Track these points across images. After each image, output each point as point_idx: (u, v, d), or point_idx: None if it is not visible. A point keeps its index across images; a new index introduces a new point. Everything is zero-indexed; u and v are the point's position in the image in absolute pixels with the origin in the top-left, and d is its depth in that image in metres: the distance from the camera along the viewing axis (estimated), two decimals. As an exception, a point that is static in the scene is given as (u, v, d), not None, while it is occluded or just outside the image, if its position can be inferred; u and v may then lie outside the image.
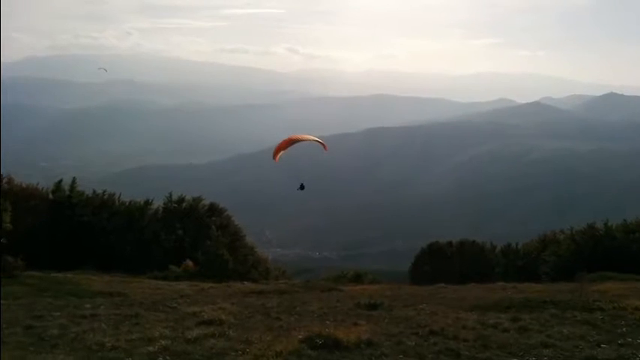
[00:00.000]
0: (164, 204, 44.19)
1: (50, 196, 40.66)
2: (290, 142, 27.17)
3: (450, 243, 45.70)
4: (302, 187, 34.94)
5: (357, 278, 40.23)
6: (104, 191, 42.64)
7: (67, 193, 41.04)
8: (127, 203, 42.68)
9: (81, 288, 22.28)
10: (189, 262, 36.38)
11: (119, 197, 43.06)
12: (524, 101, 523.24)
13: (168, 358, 12.54)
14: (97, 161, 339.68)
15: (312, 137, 28.48)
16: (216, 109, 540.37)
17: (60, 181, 41.59)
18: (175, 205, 44.10)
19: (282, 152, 27.20)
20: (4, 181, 37.34)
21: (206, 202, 45.35)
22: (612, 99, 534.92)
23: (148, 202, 43.29)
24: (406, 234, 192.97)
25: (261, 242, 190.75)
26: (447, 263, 42.65)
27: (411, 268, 46.84)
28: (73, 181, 41.68)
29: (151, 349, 12.98)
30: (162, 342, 13.49)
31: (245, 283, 32.00)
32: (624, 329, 13.83)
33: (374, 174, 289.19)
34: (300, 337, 13.80)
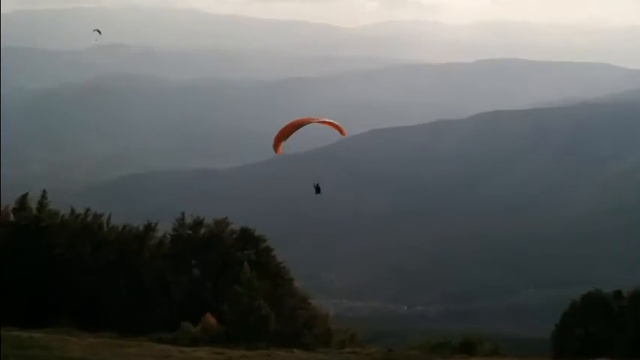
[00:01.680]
0: (173, 230, 45.31)
1: (10, 217, 42.39)
2: (294, 127, 29.78)
3: (618, 294, 44.53)
4: (318, 190, 38.56)
5: (468, 348, 39.39)
6: (87, 210, 43.95)
7: (34, 212, 42.59)
8: (120, 229, 43.85)
9: (53, 355, 22.70)
10: (211, 319, 36.89)
11: (108, 220, 44.32)
12: None
13: None
14: (77, 166, 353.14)
15: (323, 119, 31.42)
16: (246, 86, 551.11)
17: (25, 196, 43.23)
18: (190, 233, 45.05)
19: (284, 142, 30.39)
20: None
21: (235, 226, 46.19)
22: None
23: (149, 228, 44.43)
24: (541, 278, 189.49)
25: (319, 289, 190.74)
26: (613, 326, 41.28)
27: (555, 333, 45.56)
28: (43, 195, 43.21)
29: None
30: None
31: (294, 351, 32.36)
32: None
33: (488, 185, 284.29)
34: None
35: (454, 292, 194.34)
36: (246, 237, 45.74)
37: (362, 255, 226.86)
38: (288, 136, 30.28)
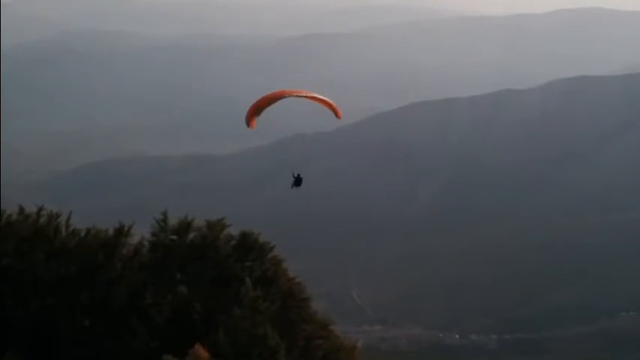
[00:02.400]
0: (153, 234, 45.21)
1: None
2: (271, 100, 32.32)
3: None
4: (297, 182, 41.14)
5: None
6: (40, 209, 43.90)
7: (-28, 211, 42.61)
8: (83, 233, 43.82)
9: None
10: (201, 351, 36.70)
11: (68, 221, 44.30)
12: None
13: None
14: (27, 149, 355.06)
15: (312, 94, 33.40)
16: (250, 46, 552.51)
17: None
18: (174, 238, 45.01)
19: (257, 114, 33.02)
20: None
21: (233, 230, 46.10)
22: None
23: (122, 232, 44.27)
24: (635, 299, 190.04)
25: (343, 312, 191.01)
26: None
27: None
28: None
29: None
30: None
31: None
32: None
33: (565, 176, 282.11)
34: None
35: (518, 317, 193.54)
36: (248, 244, 45.54)
37: (400, 267, 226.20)
38: (262, 109, 32.76)
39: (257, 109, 32.93)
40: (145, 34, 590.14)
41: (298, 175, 40.73)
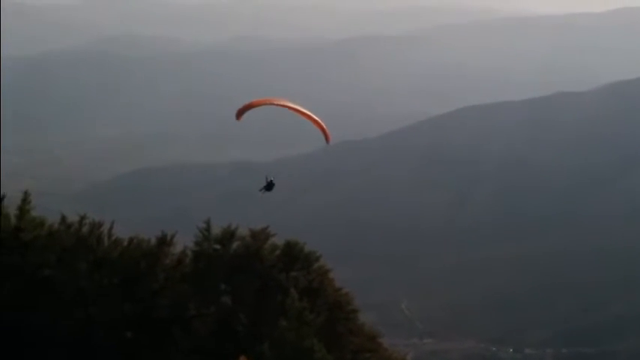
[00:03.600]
0: (196, 244, 45.42)
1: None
2: (265, 103, 35.51)
3: None
4: (268, 187, 41.84)
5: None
6: (82, 218, 44.43)
7: (13, 221, 43.23)
8: (126, 243, 44.26)
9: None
10: (246, 364, 37.12)
11: (110, 230, 44.73)
12: None
13: None
14: (69, 158, 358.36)
15: (304, 110, 35.57)
16: (296, 49, 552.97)
17: (1, 199, 43.82)
18: (218, 248, 45.24)
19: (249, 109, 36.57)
20: None
21: (278, 240, 46.23)
22: None
23: (164, 241, 44.65)
24: None
25: (393, 324, 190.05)
26: None
27: None
28: (25, 197, 43.77)
29: None
30: None
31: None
32: None
33: (630, 181, 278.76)
34: None
35: (576, 330, 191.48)
36: (294, 254, 45.63)
37: (450, 278, 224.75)
38: (252, 108, 36.23)
39: (248, 108, 36.91)
40: (186, 39, 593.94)
41: (271, 180, 41.56)
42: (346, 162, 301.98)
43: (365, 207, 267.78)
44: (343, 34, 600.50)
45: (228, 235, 45.50)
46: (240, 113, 37.08)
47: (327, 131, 35.78)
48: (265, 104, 35.65)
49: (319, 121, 35.21)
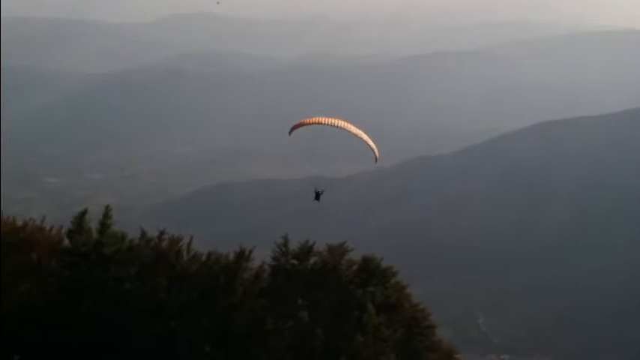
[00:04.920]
0: (274, 259, 45.70)
1: (66, 241, 43.98)
2: (317, 122, 38.21)
3: None
4: (317, 197, 45.44)
5: None
6: (161, 233, 45.00)
7: (95, 236, 44.02)
8: (204, 258, 44.73)
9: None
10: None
11: (189, 245, 45.30)
12: None
13: None
14: (147, 173, 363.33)
15: (358, 132, 38.39)
16: (367, 66, 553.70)
17: (82, 214, 44.63)
18: (295, 263, 45.42)
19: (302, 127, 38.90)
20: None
21: (355, 254, 46.21)
22: None
23: (242, 256, 44.93)
24: None
25: (469, 340, 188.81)
26: None
27: None
28: (106, 212, 44.53)
29: None
30: None
31: None
32: None
33: None
34: None
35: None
36: (371, 269, 45.52)
37: (530, 295, 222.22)
38: (307, 125, 38.88)
39: (301, 126, 39.45)
40: (261, 56, 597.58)
41: (319, 191, 45.79)
42: (421, 178, 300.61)
43: (440, 225, 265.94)
44: (416, 50, 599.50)
45: (306, 251, 45.58)
46: (292, 130, 40.23)
47: (376, 150, 38.27)
48: (314, 124, 38.39)
49: (368, 139, 37.55)
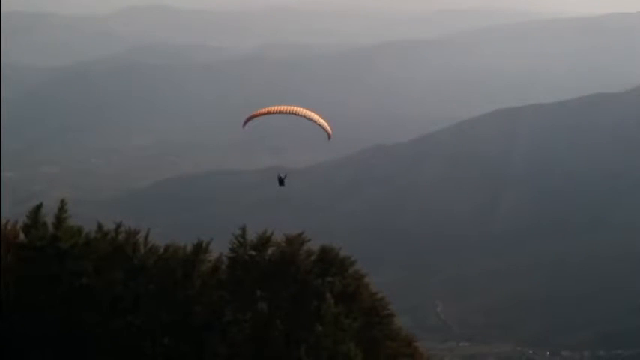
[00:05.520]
0: (231, 250, 45.45)
1: (21, 236, 43.53)
2: (270, 112, 38.36)
3: None
4: (281, 182, 45.32)
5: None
6: (118, 226, 44.67)
7: (51, 230, 43.68)
8: (162, 250, 44.41)
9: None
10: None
11: (146, 238, 44.98)
12: None
13: None
14: (104, 167, 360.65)
15: (310, 114, 37.91)
16: (327, 55, 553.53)
17: (38, 208, 44.20)
18: (253, 254, 45.21)
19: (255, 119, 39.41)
20: None
21: (313, 244, 46.13)
22: None
23: (200, 248, 44.65)
24: None
25: (428, 328, 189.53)
26: None
27: None
28: (61, 206, 44.07)
29: None
30: None
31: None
32: None
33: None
34: None
35: (614, 332, 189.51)
36: (329, 259, 45.43)
37: (485, 282, 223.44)
38: (258, 117, 38.88)
39: (254, 117, 39.60)
40: (216, 47, 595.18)
41: (282, 177, 45.53)
42: (379, 166, 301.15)
43: (399, 212, 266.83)
44: (372, 39, 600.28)
45: (264, 241, 45.39)
46: (245, 123, 40.68)
47: (328, 127, 38.62)
48: (265, 114, 38.87)
49: (318, 119, 37.57)
